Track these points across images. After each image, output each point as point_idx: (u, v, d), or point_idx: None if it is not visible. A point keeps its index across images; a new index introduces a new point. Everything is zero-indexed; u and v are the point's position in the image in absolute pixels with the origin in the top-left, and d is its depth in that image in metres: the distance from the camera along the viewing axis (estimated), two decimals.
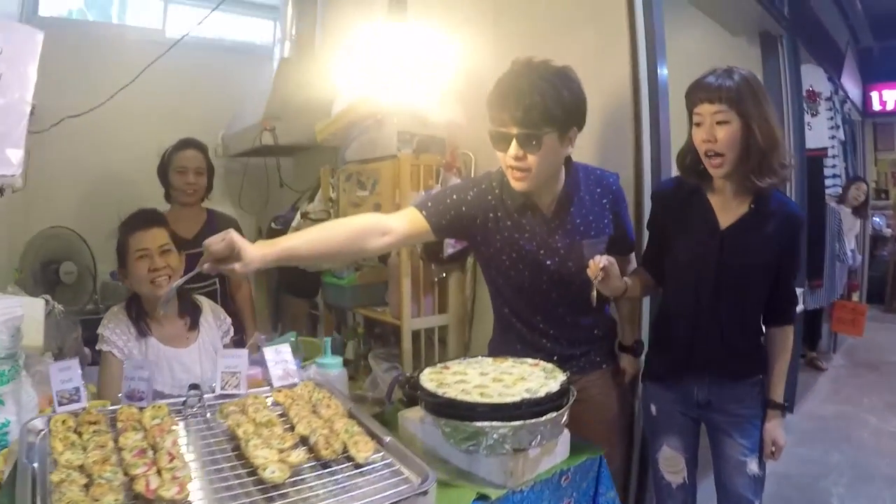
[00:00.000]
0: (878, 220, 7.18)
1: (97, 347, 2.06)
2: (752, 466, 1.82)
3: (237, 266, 1.38)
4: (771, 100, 1.69)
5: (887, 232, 7.32)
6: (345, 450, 1.22)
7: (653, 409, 1.96)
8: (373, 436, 1.29)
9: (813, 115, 4.47)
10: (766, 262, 1.74)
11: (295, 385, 1.53)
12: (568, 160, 1.79)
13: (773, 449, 1.84)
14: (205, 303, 2.27)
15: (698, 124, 1.67)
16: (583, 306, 1.83)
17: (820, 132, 4.52)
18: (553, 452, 1.53)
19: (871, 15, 5.80)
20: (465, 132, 2.76)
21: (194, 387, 1.46)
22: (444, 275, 2.79)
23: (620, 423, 2.05)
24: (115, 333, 2.04)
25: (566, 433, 1.57)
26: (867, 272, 6.52)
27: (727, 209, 1.76)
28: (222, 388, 1.48)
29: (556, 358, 1.79)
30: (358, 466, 1.19)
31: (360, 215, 1.76)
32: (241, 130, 3.97)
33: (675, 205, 1.85)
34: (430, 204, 1.78)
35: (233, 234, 1.38)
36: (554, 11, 2.46)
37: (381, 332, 3.09)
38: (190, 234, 2.81)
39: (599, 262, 1.61)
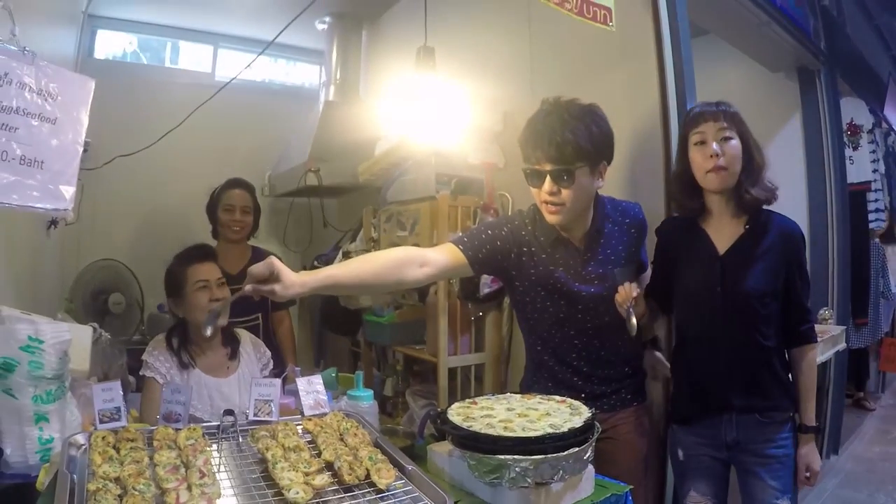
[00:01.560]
0: None
1: (140, 373, 2.15)
2: None
3: (277, 288, 1.42)
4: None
5: None
6: (367, 476, 1.26)
7: (680, 453, 1.94)
8: (396, 464, 1.32)
9: (854, 149, 4.41)
10: (770, 285, 1.74)
11: (325, 415, 1.58)
12: (598, 203, 1.87)
13: (808, 475, 1.80)
14: (245, 335, 2.35)
15: (701, 143, 1.73)
16: (618, 338, 1.88)
17: (862, 166, 4.44)
18: (577, 488, 1.52)
19: None
20: (502, 174, 2.83)
21: (229, 412, 1.52)
22: (481, 314, 2.83)
23: (650, 461, 2.04)
24: (159, 360, 2.13)
25: (590, 469, 1.56)
26: None
27: (722, 235, 1.80)
28: (255, 415, 1.54)
29: (584, 396, 1.82)
30: (379, 492, 1.23)
31: (399, 247, 1.81)
32: (286, 171, 4.12)
33: (675, 238, 1.90)
34: (466, 239, 1.85)
35: (273, 259, 1.45)
36: (587, 53, 2.53)
37: (420, 370, 3.14)
38: (235, 269, 2.91)
39: (633, 291, 1.67)
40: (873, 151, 4.45)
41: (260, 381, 1.60)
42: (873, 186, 4.47)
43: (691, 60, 2.30)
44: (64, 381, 1.74)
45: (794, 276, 1.78)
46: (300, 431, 1.51)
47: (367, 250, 3.11)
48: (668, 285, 1.91)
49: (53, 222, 3.16)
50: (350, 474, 1.24)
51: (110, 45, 4.46)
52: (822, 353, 3.15)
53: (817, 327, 3.34)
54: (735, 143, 1.71)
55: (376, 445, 1.42)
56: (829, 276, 3.80)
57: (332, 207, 4.58)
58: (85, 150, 3.55)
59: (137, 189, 4.09)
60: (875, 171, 4.47)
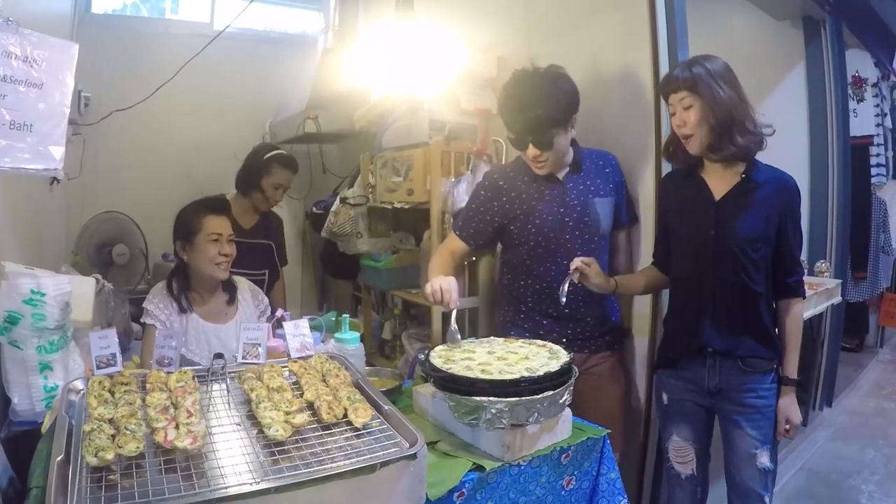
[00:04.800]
0: None
1: (141, 320, 2.21)
2: (763, 459, 1.82)
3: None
4: (735, 81, 1.77)
5: None
6: (345, 415, 1.32)
7: (664, 397, 1.99)
8: (374, 404, 1.38)
9: (859, 102, 4.34)
10: (761, 231, 1.78)
11: (310, 357, 1.64)
12: (574, 143, 2.10)
13: (788, 427, 1.84)
14: (243, 282, 2.40)
15: (673, 113, 1.80)
16: (604, 267, 2.03)
17: (866, 119, 4.38)
18: (553, 430, 1.59)
19: None
20: (496, 119, 2.82)
21: (218, 356, 1.58)
22: (475, 258, 2.86)
23: (627, 404, 2.17)
24: (159, 308, 2.19)
25: (567, 412, 1.62)
26: None
27: (720, 182, 1.84)
28: (243, 358, 1.60)
29: (565, 341, 1.93)
30: (356, 430, 1.28)
31: (446, 249, 2.24)
32: (286, 119, 4.11)
33: (673, 188, 1.97)
34: (460, 223, 2.21)
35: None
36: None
37: (417, 314, 3.20)
38: (248, 225, 3.07)
39: (574, 263, 1.87)
40: (877, 105, 4.38)
41: (248, 325, 1.66)
42: (876, 141, 4.41)
43: (684, 8, 2.27)
44: (66, 331, 1.80)
45: (786, 226, 1.81)
46: (287, 373, 1.57)
47: (364, 196, 3.15)
48: (669, 244, 1.98)
49: (55, 178, 3.20)
50: (329, 413, 1.30)
51: None
52: (815, 305, 3.18)
53: (813, 279, 3.39)
54: (694, 109, 1.75)
55: (356, 386, 1.47)
56: (829, 230, 3.80)
57: (332, 154, 4.57)
58: (86, 105, 3.59)
59: (139, 141, 4.12)
60: (879, 125, 4.41)
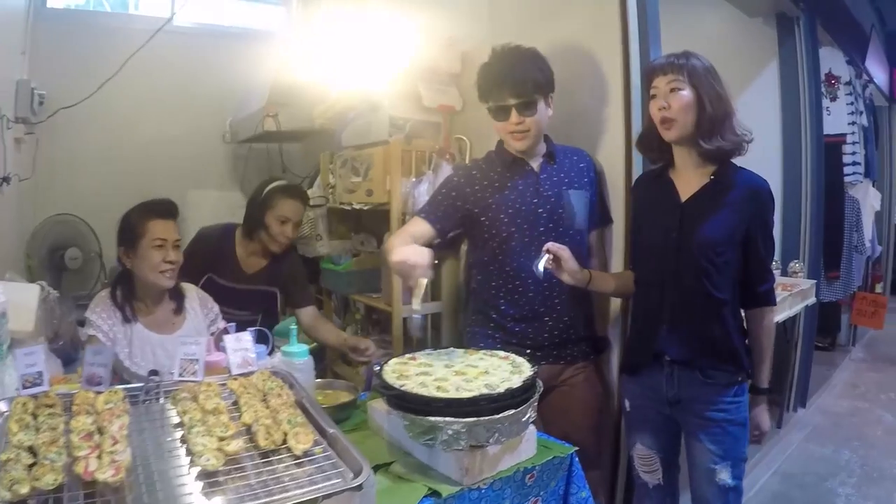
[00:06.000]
0: None
1: (84, 331, 2.08)
2: (723, 475, 1.74)
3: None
4: (722, 81, 1.71)
5: None
6: (285, 440, 1.21)
7: (626, 404, 1.93)
8: (318, 427, 1.27)
9: (832, 100, 4.32)
10: (726, 235, 1.70)
11: (252, 373, 1.52)
12: (547, 138, 2.05)
13: (757, 433, 1.81)
14: (191, 290, 2.27)
15: (654, 96, 1.72)
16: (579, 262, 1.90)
17: (839, 118, 4.35)
18: (516, 450, 1.49)
19: None
20: (460, 117, 2.73)
21: (153, 373, 1.46)
22: (437, 261, 2.76)
23: (603, 415, 2.07)
24: (101, 318, 2.07)
25: (532, 429, 1.52)
26: (892, 263, 6.32)
27: (688, 184, 1.77)
28: (180, 375, 1.47)
29: (531, 351, 1.86)
30: (296, 458, 1.17)
31: (405, 233, 2.00)
32: (246, 116, 3.97)
33: (644, 189, 1.92)
34: (427, 206, 2.07)
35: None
36: None
37: (380, 319, 3.09)
38: (251, 270, 2.74)
39: (547, 245, 1.78)
40: (851, 104, 4.36)
41: (186, 338, 1.53)
42: (850, 139, 4.39)
43: (656, 2, 2.19)
44: (1, 343, 1.67)
45: (756, 232, 1.72)
46: (226, 392, 1.45)
47: (324, 196, 3.05)
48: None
49: (5, 179, 3.04)
50: (266, 439, 1.19)
51: None
52: (790, 306, 3.14)
53: (787, 280, 3.35)
54: (684, 94, 1.66)
55: (300, 406, 1.36)
56: (802, 229, 3.76)
57: (292, 153, 4.45)
58: (41, 103, 3.42)
59: (96, 140, 3.94)
60: (853, 122, 4.38)
